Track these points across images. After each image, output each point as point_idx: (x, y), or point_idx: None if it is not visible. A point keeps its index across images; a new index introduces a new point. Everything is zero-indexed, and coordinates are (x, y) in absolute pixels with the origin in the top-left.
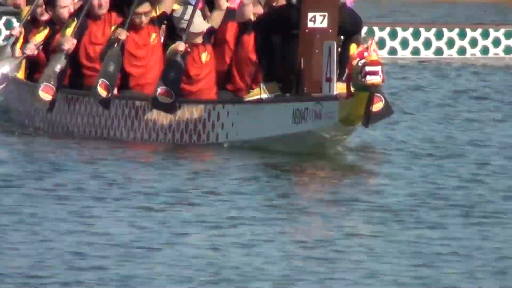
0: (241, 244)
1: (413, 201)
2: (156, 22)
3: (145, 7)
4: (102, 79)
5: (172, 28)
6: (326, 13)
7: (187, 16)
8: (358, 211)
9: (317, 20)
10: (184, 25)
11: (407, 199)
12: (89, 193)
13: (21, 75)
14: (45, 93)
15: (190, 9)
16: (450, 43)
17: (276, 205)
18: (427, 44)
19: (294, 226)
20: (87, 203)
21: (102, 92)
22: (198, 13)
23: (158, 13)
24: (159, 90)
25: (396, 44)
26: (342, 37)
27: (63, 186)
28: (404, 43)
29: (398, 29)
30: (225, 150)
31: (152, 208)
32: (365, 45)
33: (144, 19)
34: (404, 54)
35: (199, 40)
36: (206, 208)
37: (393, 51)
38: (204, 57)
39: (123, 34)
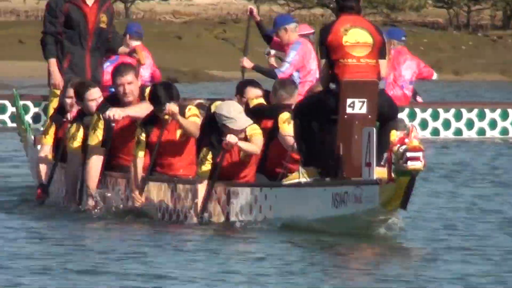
0: None
1: None
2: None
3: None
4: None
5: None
6: (365, 99)
7: (229, 113)
8: None
9: (356, 106)
10: (226, 121)
11: None
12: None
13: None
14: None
15: (233, 104)
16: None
17: None
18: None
19: None
20: None
21: None
22: (240, 108)
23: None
24: None
25: (438, 124)
26: (379, 123)
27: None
28: (447, 124)
29: (440, 110)
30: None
31: None
32: (405, 131)
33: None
34: (446, 134)
35: (241, 135)
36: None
37: (435, 131)
38: (243, 155)
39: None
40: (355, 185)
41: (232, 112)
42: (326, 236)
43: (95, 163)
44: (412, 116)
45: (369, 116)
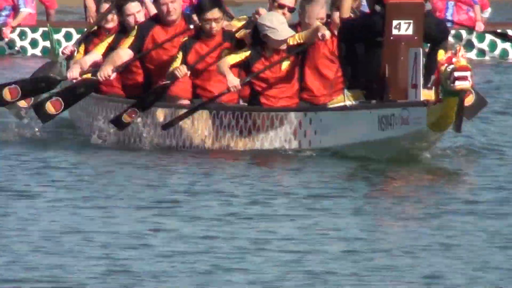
0: None
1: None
2: (228, 36)
3: (215, 13)
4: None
5: (255, 33)
6: (411, 21)
7: (271, 23)
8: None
9: (402, 27)
10: (268, 31)
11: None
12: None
13: None
14: (52, 107)
15: (275, 15)
16: None
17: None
18: None
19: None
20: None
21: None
22: (283, 19)
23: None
24: None
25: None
26: (429, 45)
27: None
28: (493, 45)
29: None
30: (308, 157)
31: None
32: (453, 51)
33: (215, 26)
34: (492, 55)
35: (283, 47)
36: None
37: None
38: (285, 65)
39: (182, 72)
40: (402, 107)
41: (275, 21)
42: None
43: (120, 55)
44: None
45: (415, 38)
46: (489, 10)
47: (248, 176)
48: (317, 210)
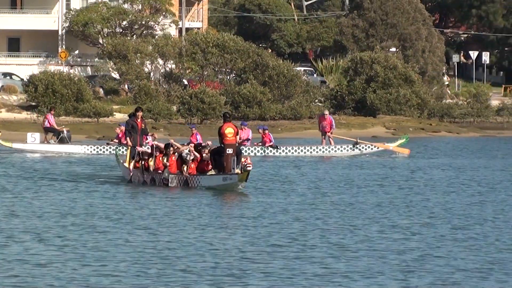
0: None
1: None
2: None
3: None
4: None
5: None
6: (232, 149)
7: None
8: None
9: (229, 151)
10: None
11: None
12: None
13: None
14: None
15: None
16: None
17: None
18: None
19: None
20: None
21: None
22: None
23: None
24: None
25: None
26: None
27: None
28: None
29: None
30: None
31: None
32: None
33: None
34: None
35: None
36: None
37: None
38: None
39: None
40: (229, 174)
41: None
42: None
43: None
44: None
45: (233, 153)
46: None
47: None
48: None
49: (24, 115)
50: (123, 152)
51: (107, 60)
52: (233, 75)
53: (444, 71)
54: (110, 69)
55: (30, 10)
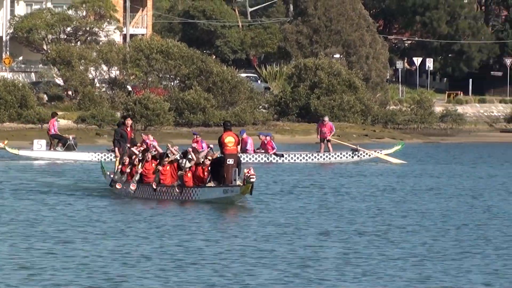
0: None
1: None
2: None
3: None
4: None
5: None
6: (233, 159)
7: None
8: None
9: (230, 161)
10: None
11: None
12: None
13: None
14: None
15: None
16: None
17: None
18: None
19: None
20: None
21: None
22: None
23: None
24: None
25: None
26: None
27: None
28: None
29: None
30: None
31: None
32: (246, 170)
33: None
34: None
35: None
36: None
37: None
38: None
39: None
40: (230, 187)
41: None
42: None
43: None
44: None
45: (234, 165)
46: None
47: None
48: None
49: None
50: (111, 160)
51: (51, 66)
52: (177, 82)
53: (387, 77)
54: (54, 75)
55: None
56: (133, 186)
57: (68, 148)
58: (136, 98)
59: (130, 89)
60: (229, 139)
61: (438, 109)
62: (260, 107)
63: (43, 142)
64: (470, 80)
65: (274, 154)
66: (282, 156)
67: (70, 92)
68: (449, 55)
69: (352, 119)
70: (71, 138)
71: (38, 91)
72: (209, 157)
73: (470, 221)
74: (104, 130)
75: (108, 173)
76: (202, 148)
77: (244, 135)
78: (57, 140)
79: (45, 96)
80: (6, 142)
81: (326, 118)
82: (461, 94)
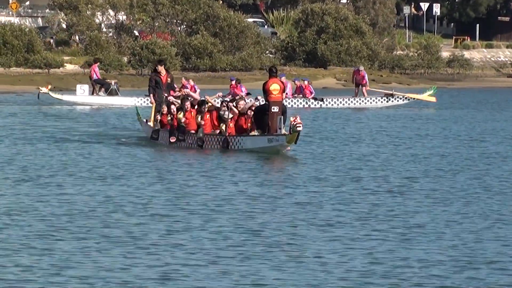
0: None
1: None
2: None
3: None
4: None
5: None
6: (278, 106)
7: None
8: None
9: (275, 109)
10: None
11: None
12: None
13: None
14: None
15: None
16: None
17: None
18: None
19: None
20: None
21: None
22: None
23: None
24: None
25: None
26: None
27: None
28: None
29: None
30: None
31: None
32: (293, 117)
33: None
34: None
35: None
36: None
37: None
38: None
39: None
40: (275, 135)
41: None
42: None
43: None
44: None
45: (279, 112)
46: None
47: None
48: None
49: None
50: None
51: (58, 11)
52: (184, 26)
53: (394, 22)
54: (61, 20)
55: None
56: (172, 139)
57: (111, 93)
58: (143, 43)
59: (137, 34)
60: (275, 86)
61: (445, 54)
62: (267, 52)
63: (86, 87)
64: (477, 25)
65: (313, 98)
66: (322, 100)
67: (76, 37)
68: (456, 0)
69: (359, 64)
70: (113, 83)
71: (45, 36)
72: (253, 108)
73: None
74: (111, 75)
75: (145, 120)
76: (242, 91)
77: (284, 79)
78: (99, 85)
79: (51, 40)
80: (49, 87)
81: (362, 68)
82: (468, 39)
